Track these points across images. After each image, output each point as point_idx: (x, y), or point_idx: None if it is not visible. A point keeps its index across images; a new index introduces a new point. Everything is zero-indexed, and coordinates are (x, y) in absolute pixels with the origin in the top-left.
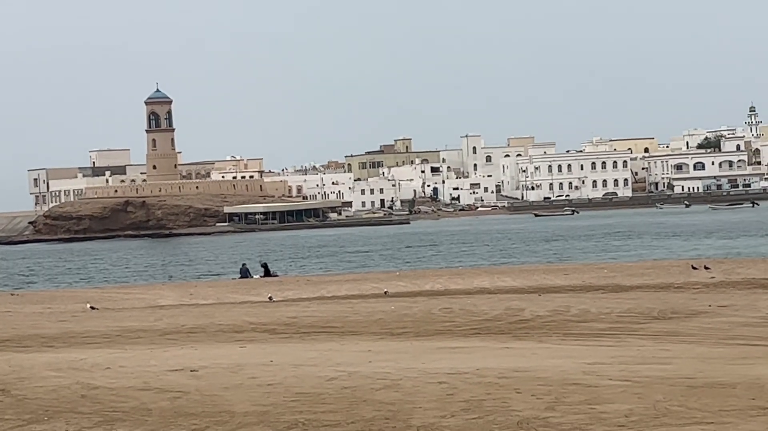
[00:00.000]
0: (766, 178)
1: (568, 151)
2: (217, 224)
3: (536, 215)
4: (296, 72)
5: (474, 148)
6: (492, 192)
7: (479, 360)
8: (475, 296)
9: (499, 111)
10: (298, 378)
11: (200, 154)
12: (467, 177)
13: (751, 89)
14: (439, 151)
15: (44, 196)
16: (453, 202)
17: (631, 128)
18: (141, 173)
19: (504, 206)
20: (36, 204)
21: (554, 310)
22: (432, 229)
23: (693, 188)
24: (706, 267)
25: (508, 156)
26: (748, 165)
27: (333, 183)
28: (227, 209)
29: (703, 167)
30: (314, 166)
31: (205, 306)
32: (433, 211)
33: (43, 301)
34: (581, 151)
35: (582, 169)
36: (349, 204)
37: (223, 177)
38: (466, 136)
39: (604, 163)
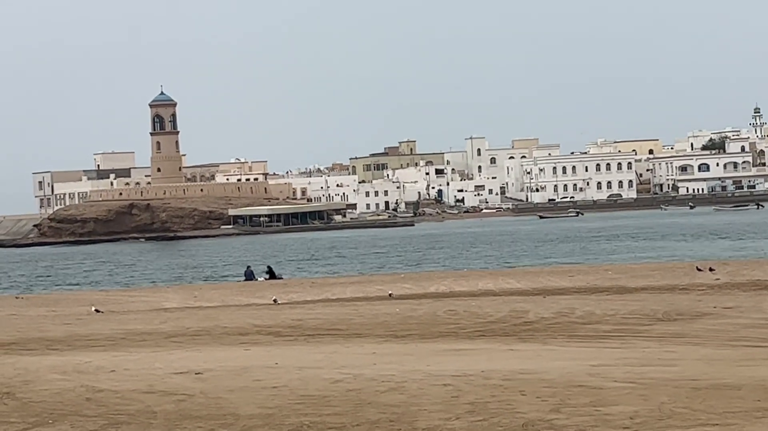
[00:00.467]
0: None
1: (572, 153)
2: (222, 227)
3: (541, 217)
4: (300, 74)
5: (478, 149)
6: (496, 194)
7: (484, 363)
8: (480, 298)
9: (503, 113)
10: (303, 380)
11: (205, 156)
12: (472, 179)
13: (755, 90)
14: (443, 153)
15: (49, 198)
16: (457, 203)
17: (635, 130)
18: (146, 176)
19: (508, 208)
20: (41, 207)
21: (559, 312)
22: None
23: (698, 190)
24: (710, 269)
25: (512, 158)
26: (753, 166)
27: (337, 185)
28: (232, 211)
29: (707, 169)
30: (319, 169)
31: (209, 308)
32: (437, 212)
33: (47, 304)
34: (586, 153)
35: (587, 170)
36: (354, 206)
37: (227, 179)
38: (471, 137)
39: (608, 164)
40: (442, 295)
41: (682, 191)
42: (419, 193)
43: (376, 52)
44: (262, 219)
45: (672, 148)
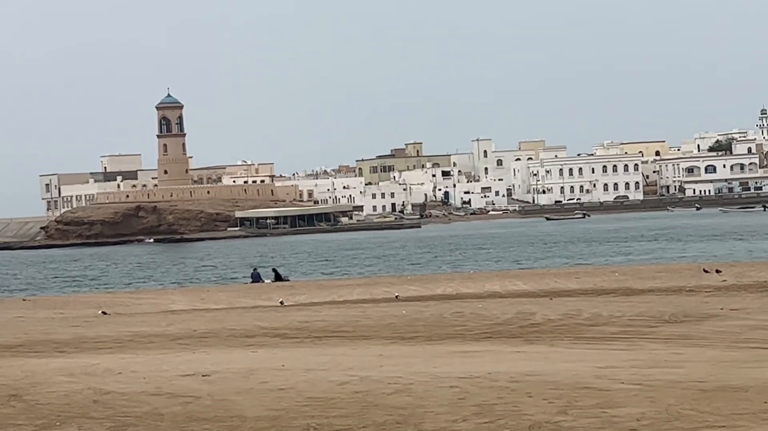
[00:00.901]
0: None
1: (579, 155)
2: (229, 229)
3: (547, 218)
4: (307, 77)
5: (485, 151)
6: (503, 195)
7: (491, 364)
8: (487, 300)
9: (510, 115)
10: (310, 382)
11: (211, 158)
12: (478, 181)
13: (762, 92)
14: (450, 155)
15: (56, 201)
16: (464, 205)
17: (642, 131)
18: (152, 178)
19: (515, 210)
20: (48, 209)
21: (566, 314)
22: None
23: (704, 191)
24: (717, 271)
25: (519, 159)
26: (760, 168)
27: (344, 187)
28: (238, 214)
29: (714, 170)
30: (325, 171)
31: (216, 310)
32: (444, 214)
33: (55, 306)
34: (592, 155)
35: (593, 172)
36: (360, 208)
37: (234, 181)
38: (477, 139)
39: (615, 166)
40: (449, 297)
41: (689, 193)
42: (426, 194)
43: (383, 54)
44: (268, 221)
45: (678, 150)
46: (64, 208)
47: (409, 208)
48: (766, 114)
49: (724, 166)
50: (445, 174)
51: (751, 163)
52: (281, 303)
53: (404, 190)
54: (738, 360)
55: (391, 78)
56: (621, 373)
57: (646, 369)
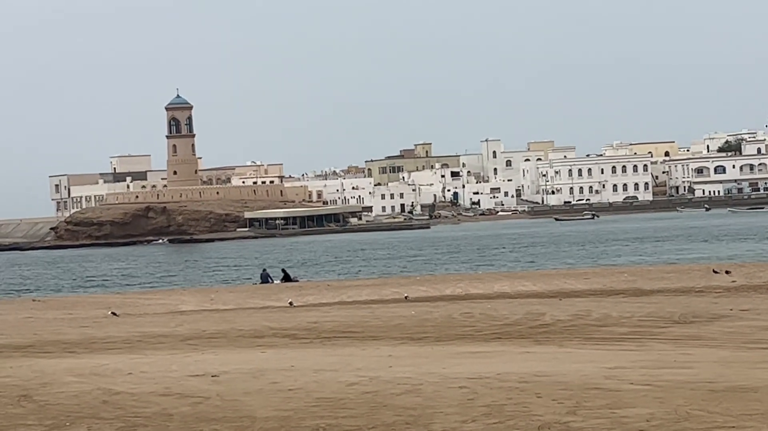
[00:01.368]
0: None
1: (588, 155)
2: (238, 229)
3: (556, 219)
4: (316, 77)
5: (494, 152)
6: (512, 196)
7: (500, 365)
8: (496, 300)
9: (519, 115)
10: (319, 383)
11: (221, 159)
12: (487, 181)
13: None
14: (459, 156)
15: (65, 201)
16: (473, 206)
17: (651, 132)
18: (162, 179)
19: (524, 210)
20: (57, 210)
21: (575, 314)
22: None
23: (714, 192)
24: (727, 272)
25: (528, 160)
26: None
27: (353, 188)
28: (248, 214)
29: (723, 171)
30: (334, 171)
31: (225, 311)
32: (453, 215)
33: (64, 307)
34: (601, 155)
35: (602, 172)
36: (370, 209)
37: (243, 182)
38: (486, 140)
39: (624, 166)
40: (458, 298)
41: (698, 193)
42: (435, 195)
43: (392, 55)
44: (278, 222)
45: (688, 150)
46: (73, 208)
47: (418, 208)
48: None
49: (734, 167)
50: (454, 174)
51: (760, 164)
52: (290, 303)
53: (413, 190)
54: (748, 360)
55: (400, 78)
56: (630, 374)
57: (656, 370)
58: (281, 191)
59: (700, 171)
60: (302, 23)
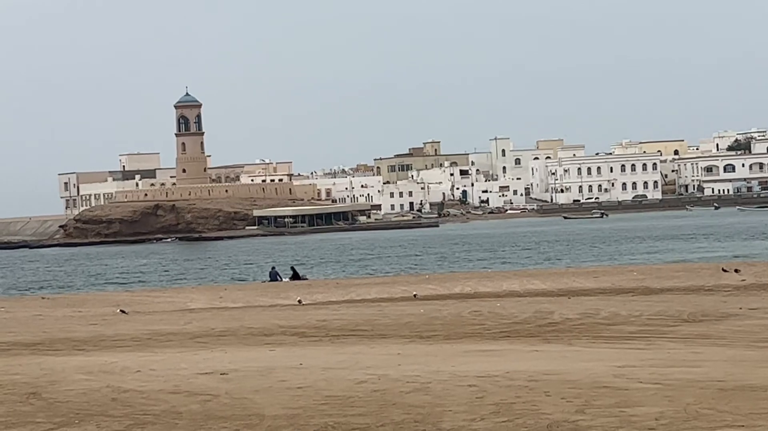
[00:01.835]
0: None
1: (597, 154)
2: (247, 227)
3: (565, 217)
4: (325, 75)
5: (503, 150)
6: (521, 194)
7: (509, 363)
8: (505, 299)
9: (528, 113)
10: (328, 381)
11: (229, 157)
12: (496, 180)
13: None
14: (468, 154)
15: (75, 199)
16: (482, 204)
17: (660, 130)
18: (171, 177)
19: (533, 209)
20: (66, 208)
21: (584, 313)
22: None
23: (723, 190)
24: (736, 270)
25: (537, 158)
26: None
27: (362, 186)
28: (256, 212)
29: (733, 169)
30: (343, 169)
31: (234, 309)
32: (462, 213)
33: (73, 305)
34: (611, 154)
35: (611, 171)
36: (378, 207)
37: (252, 180)
38: (495, 138)
39: (633, 165)
40: (467, 296)
41: (708, 192)
42: (444, 193)
43: (401, 53)
44: (286, 220)
45: (697, 149)
46: (82, 206)
47: (427, 206)
48: None
49: (743, 165)
50: (463, 173)
51: None
52: (299, 301)
53: (422, 188)
54: (757, 359)
55: (408, 76)
56: (639, 372)
57: (665, 369)
58: (290, 189)
59: (709, 169)
60: (311, 21)
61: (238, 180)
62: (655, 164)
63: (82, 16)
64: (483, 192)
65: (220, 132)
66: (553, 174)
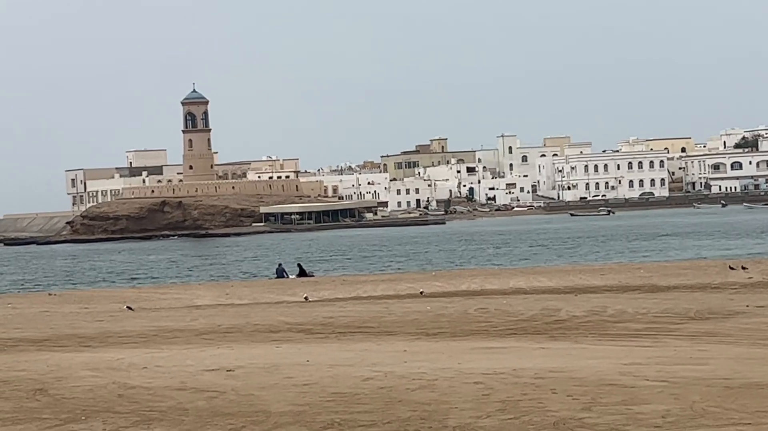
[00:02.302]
0: None
1: (604, 151)
2: (253, 224)
3: (572, 215)
4: (332, 73)
5: (510, 147)
6: (528, 192)
7: (515, 361)
8: (511, 296)
9: (535, 111)
10: (334, 378)
11: (236, 154)
12: (503, 177)
13: None
14: (474, 151)
15: (81, 196)
16: (489, 202)
17: (667, 128)
18: (177, 173)
19: (540, 206)
20: (73, 204)
21: (590, 311)
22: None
23: (730, 188)
24: (743, 268)
25: (544, 156)
26: None
27: (369, 183)
28: (263, 209)
29: (740, 167)
30: (350, 166)
31: (241, 306)
32: (468, 211)
33: (80, 301)
34: (617, 151)
35: (618, 168)
36: (385, 204)
37: (259, 177)
38: (502, 135)
39: (640, 162)
40: (474, 293)
41: (715, 189)
42: (450, 191)
43: (407, 51)
44: (293, 216)
45: (704, 146)
46: (89, 203)
47: (433, 203)
48: None
49: (750, 163)
50: (470, 170)
51: None
52: (306, 298)
53: (429, 185)
54: (764, 357)
55: (415, 74)
56: (646, 370)
57: (671, 366)
58: (297, 186)
59: (716, 167)
60: (318, 21)
61: (245, 177)
62: (662, 161)
63: (91, 13)
64: (490, 189)
65: (227, 129)
66: (560, 171)
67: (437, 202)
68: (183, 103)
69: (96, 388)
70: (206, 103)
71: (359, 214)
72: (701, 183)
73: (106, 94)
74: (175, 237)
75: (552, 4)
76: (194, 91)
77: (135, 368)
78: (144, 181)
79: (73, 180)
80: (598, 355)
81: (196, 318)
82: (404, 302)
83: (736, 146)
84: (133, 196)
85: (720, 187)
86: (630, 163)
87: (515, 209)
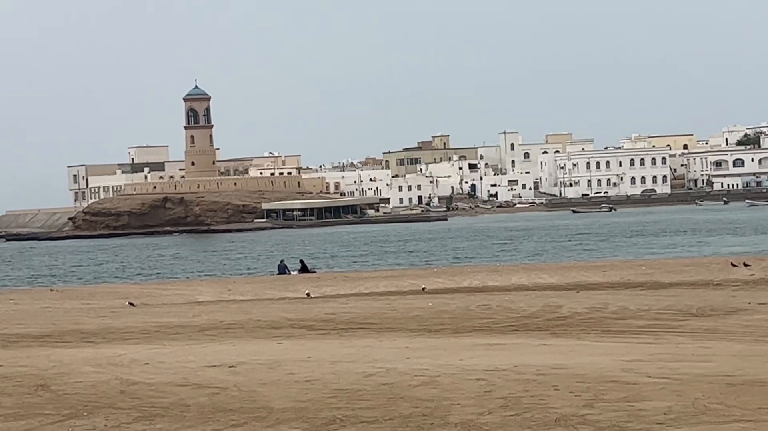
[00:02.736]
0: None
1: (606, 148)
2: (255, 220)
3: (574, 211)
4: (333, 69)
5: (512, 144)
6: (530, 188)
7: (517, 357)
8: (513, 293)
9: (537, 107)
10: (336, 374)
11: (238, 150)
12: (505, 173)
13: None
14: (476, 148)
15: (83, 192)
16: (490, 198)
17: (669, 124)
18: (179, 169)
19: (542, 203)
20: (75, 200)
21: (592, 307)
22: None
23: (732, 185)
24: (745, 265)
25: (546, 152)
26: None
27: (371, 179)
28: (265, 205)
29: (742, 164)
30: (352, 163)
31: (243, 302)
32: (470, 207)
33: (82, 297)
34: (619, 148)
35: (620, 165)
36: (387, 200)
37: (261, 173)
38: (504, 132)
39: (642, 159)
40: (475, 290)
41: (717, 186)
42: (452, 187)
43: (410, 47)
44: (295, 213)
45: (706, 143)
46: (91, 199)
47: (435, 200)
48: None
49: (752, 160)
50: (472, 166)
51: None
52: (308, 294)
53: (431, 182)
54: (766, 354)
55: (417, 70)
56: (648, 367)
57: (673, 363)
58: (299, 182)
59: (718, 164)
60: (320, 17)
61: (247, 173)
62: (664, 158)
63: (91, 11)
64: (492, 186)
65: (229, 125)
66: (562, 168)
67: (439, 198)
68: (185, 99)
69: (98, 384)
70: (208, 99)
71: (361, 211)
72: (703, 180)
73: (108, 90)
74: (177, 233)
75: (555, 4)
76: (196, 87)
77: (137, 364)
78: (146, 177)
79: (75, 176)
80: (600, 352)
81: (198, 315)
82: (406, 298)
83: (739, 143)
84: (135, 192)
85: (722, 184)
86: (632, 159)
87: (517, 206)
